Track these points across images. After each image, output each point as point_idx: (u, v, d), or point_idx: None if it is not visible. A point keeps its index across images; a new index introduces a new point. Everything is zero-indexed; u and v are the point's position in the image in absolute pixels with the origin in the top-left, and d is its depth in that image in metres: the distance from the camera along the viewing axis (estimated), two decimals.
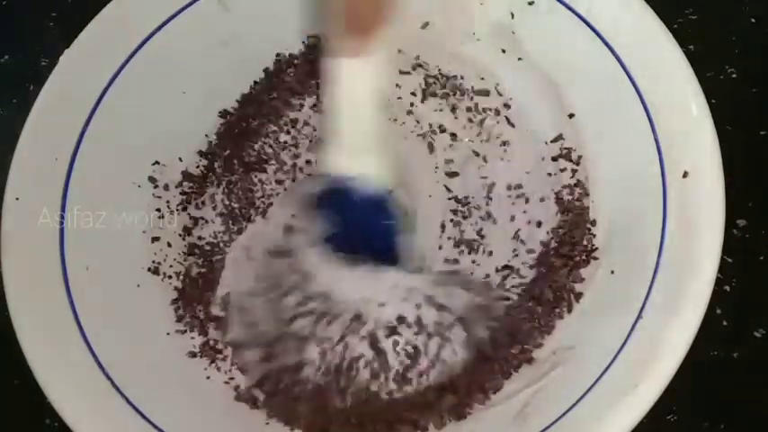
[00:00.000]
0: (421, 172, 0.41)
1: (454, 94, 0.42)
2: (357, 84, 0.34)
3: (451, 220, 0.40)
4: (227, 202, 0.41)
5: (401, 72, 0.42)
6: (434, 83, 0.42)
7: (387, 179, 0.37)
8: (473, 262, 0.39)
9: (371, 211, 0.37)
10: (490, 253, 0.39)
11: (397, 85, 0.42)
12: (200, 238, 0.40)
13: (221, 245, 0.40)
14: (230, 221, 0.40)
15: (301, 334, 0.37)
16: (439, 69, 0.42)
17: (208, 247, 0.40)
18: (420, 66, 0.43)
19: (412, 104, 0.42)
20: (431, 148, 0.41)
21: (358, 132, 0.35)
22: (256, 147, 0.42)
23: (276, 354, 0.37)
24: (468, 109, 0.42)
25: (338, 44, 0.34)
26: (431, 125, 0.42)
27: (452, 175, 0.41)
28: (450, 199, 0.40)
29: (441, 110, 0.42)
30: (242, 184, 0.41)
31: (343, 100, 0.35)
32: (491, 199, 0.40)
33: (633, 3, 0.36)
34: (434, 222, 0.40)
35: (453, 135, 0.41)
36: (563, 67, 0.39)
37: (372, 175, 0.36)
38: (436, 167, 0.41)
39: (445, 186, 0.40)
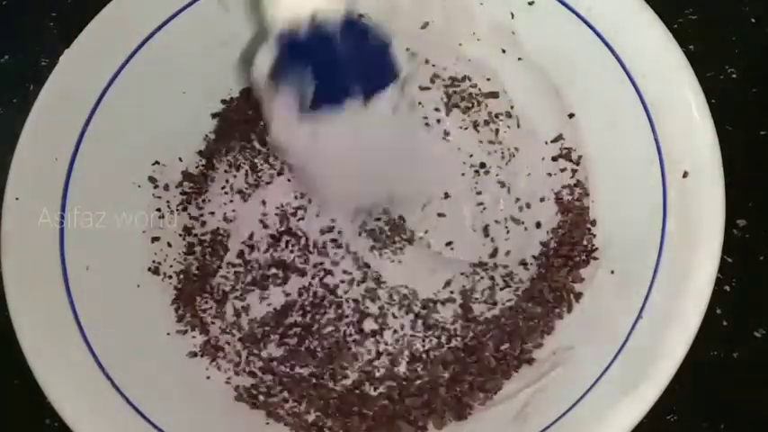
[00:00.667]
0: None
1: (472, 106, 0.42)
2: None
3: None
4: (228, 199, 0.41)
5: (421, 88, 0.42)
6: (454, 93, 0.42)
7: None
8: None
9: (348, 44, 0.33)
10: (491, 254, 0.39)
11: (419, 103, 0.42)
12: (200, 238, 0.40)
13: (222, 245, 0.40)
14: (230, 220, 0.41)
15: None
16: (452, 76, 0.42)
17: (208, 248, 0.40)
18: (437, 77, 0.42)
19: (438, 121, 0.42)
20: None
21: None
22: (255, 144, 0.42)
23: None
24: (486, 122, 0.42)
25: None
26: (459, 149, 0.41)
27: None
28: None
29: (465, 128, 0.42)
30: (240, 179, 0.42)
31: None
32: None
33: (633, 3, 0.36)
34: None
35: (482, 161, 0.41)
36: (563, 67, 0.39)
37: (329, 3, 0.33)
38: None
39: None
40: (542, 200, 0.39)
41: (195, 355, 0.37)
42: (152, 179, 0.40)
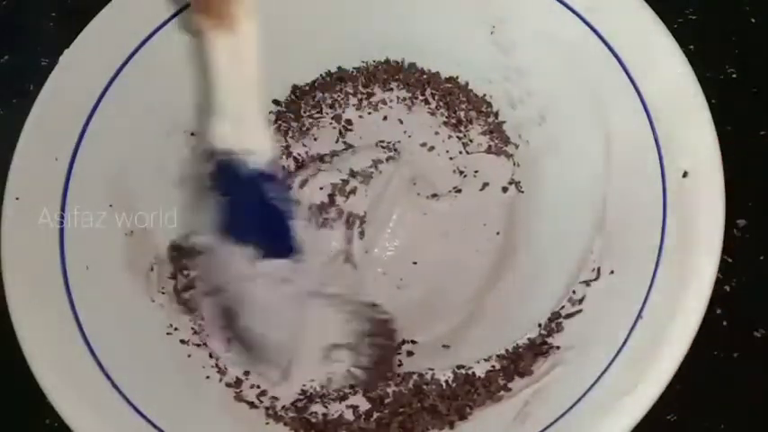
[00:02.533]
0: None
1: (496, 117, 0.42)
2: (229, 58, 0.34)
3: None
4: None
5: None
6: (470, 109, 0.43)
7: (272, 156, 0.35)
8: None
9: (259, 192, 0.35)
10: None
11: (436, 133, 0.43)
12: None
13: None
14: None
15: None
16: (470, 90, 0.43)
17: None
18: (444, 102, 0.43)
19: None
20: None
21: (240, 104, 0.34)
22: None
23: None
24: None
25: (199, 19, 0.34)
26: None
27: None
28: None
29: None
30: None
31: (219, 74, 0.34)
32: None
33: (633, 3, 0.36)
34: None
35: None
36: (562, 67, 0.39)
37: (259, 150, 0.35)
38: None
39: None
40: None
41: (195, 355, 0.37)
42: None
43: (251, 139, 0.35)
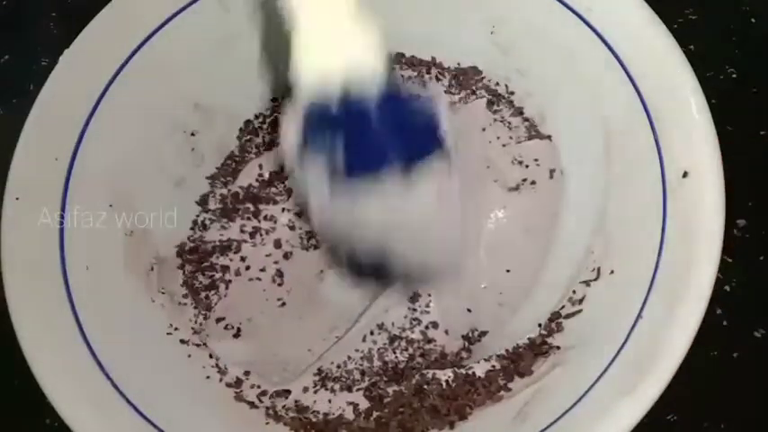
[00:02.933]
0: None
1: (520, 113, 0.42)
2: None
3: None
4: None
5: None
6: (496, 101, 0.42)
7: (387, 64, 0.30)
8: None
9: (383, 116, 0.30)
10: None
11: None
12: (201, 238, 0.41)
13: (223, 245, 0.40)
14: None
15: None
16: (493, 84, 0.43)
17: (209, 248, 0.40)
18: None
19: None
20: None
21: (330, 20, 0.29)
22: None
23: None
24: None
25: None
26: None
27: None
28: None
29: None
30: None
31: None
32: None
33: (633, 2, 0.36)
34: None
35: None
36: (562, 66, 0.39)
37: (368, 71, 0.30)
38: None
39: None
40: None
41: (195, 355, 0.37)
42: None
43: (355, 61, 0.30)
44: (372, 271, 0.34)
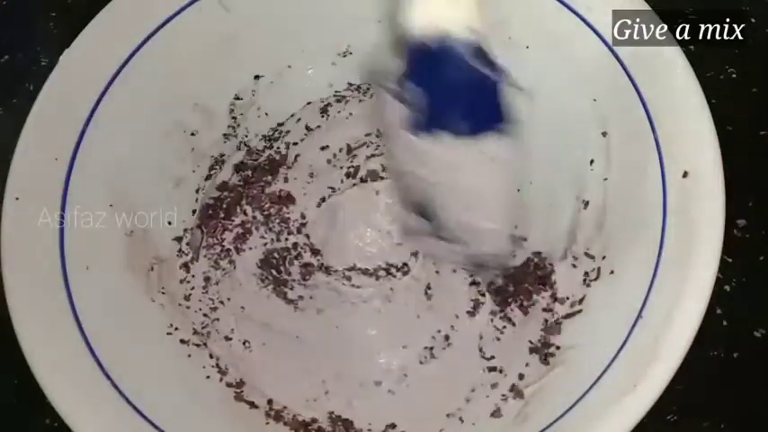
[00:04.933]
0: None
1: None
2: None
3: None
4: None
5: None
6: None
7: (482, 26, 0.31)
8: None
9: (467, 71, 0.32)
10: None
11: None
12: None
13: (223, 245, 0.40)
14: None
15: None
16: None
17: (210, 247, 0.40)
18: None
19: None
20: None
21: None
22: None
23: None
24: None
25: None
26: None
27: None
28: None
29: None
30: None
31: None
32: None
33: (633, 3, 0.36)
34: None
35: None
36: (562, 67, 0.39)
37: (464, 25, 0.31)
38: None
39: None
40: None
41: (195, 355, 0.37)
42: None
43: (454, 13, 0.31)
44: (426, 216, 0.35)
